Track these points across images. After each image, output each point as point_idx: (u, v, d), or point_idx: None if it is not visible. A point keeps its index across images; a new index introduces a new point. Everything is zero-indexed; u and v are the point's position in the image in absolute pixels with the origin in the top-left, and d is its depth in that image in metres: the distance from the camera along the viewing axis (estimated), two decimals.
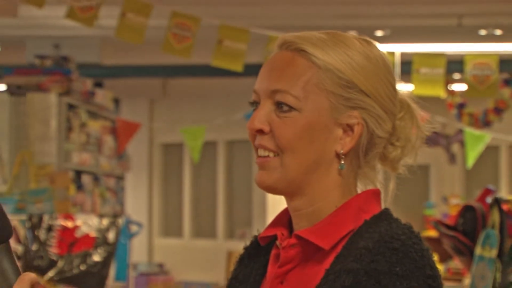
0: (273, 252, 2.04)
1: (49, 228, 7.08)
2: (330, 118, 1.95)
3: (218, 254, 13.82)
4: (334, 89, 1.95)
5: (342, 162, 1.96)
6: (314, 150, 1.95)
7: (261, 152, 1.97)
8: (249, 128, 1.97)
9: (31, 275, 1.78)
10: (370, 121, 1.96)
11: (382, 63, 2.00)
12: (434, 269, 1.89)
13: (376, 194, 2.01)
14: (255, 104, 2.00)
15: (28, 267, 6.97)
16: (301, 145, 1.94)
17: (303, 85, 1.95)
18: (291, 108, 1.94)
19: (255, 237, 2.10)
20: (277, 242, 2.01)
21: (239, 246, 2.21)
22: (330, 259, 1.91)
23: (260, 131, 1.96)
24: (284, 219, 2.04)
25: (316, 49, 1.96)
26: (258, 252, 2.09)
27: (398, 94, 2.03)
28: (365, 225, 1.93)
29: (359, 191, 2.01)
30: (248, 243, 2.14)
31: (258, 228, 2.14)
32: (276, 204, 15.04)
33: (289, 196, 1.99)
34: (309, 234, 1.94)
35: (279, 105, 1.96)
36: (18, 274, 1.81)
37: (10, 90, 9.34)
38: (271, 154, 1.96)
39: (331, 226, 1.95)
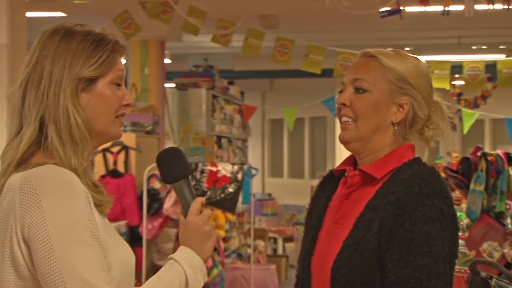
0: (342, 180, 2.03)
1: (202, 171, 7.14)
2: (388, 99, 1.96)
3: (304, 187, 13.72)
4: (393, 80, 1.95)
5: (396, 127, 1.97)
6: (377, 118, 1.95)
7: (344, 119, 1.98)
8: (337, 102, 1.99)
9: (201, 198, 1.79)
10: (414, 104, 1.96)
11: (425, 71, 2.01)
12: (448, 192, 1.88)
13: (412, 147, 2.00)
14: (342, 91, 2.01)
15: None
16: (370, 115, 1.95)
17: (373, 76, 1.96)
18: (364, 90, 1.95)
19: (330, 170, 2.10)
20: (346, 173, 2.01)
21: (317, 182, 2.23)
22: (380, 185, 1.92)
23: (343, 104, 1.97)
24: (351, 160, 2.03)
25: (383, 56, 1.97)
26: (331, 180, 2.09)
27: (434, 96, 2.03)
28: (404, 165, 1.93)
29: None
30: (325, 174, 2.15)
31: (331, 168, 2.15)
32: (341, 156, 14.98)
33: (357, 149, 1.99)
34: (367, 168, 1.95)
35: (357, 89, 1.96)
36: (194, 198, 1.81)
37: (178, 87, 9.42)
38: (350, 120, 1.97)
39: (382, 164, 1.95)
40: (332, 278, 1.86)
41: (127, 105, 1.76)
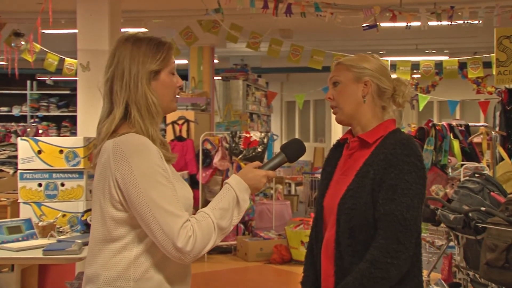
0: (346, 145, 2.01)
1: (239, 137, 7.15)
2: (355, 81, 1.93)
3: (310, 148, 13.67)
4: (353, 70, 1.94)
5: (364, 99, 1.94)
6: (351, 97, 1.94)
7: (332, 107, 1.98)
8: (326, 98, 1.98)
9: (275, 173, 1.79)
10: (375, 80, 1.94)
11: (375, 57, 1.98)
12: (420, 152, 1.87)
13: (393, 121, 1.97)
14: (328, 88, 2.00)
15: (231, 153, 7.10)
16: (346, 97, 1.94)
17: (340, 73, 1.95)
18: (338, 82, 1.95)
19: (338, 140, 2.08)
20: (348, 141, 2.00)
21: (319, 145, 2.20)
22: (372, 148, 1.91)
23: (330, 99, 1.97)
24: (350, 131, 2.01)
25: (346, 60, 1.97)
26: (338, 147, 2.06)
27: (391, 74, 1.99)
28: (389, 134, 1.92)
29: (386, 118, 1.99)
30: (323, 139, 2.13)
31: (328, 135, 2.12)
32: (335, 128, 14.88)
33: (349, 123, 1.98)
34: (363, 135, 1.93)
35: (334, 83, 1.96)
36: (275, 169, 1.80)
37: (223, 79, 9.39)
38: (336, 107, 1.96)
39: (373, 133, 1.93)
40: (338, 210, 1.86)
41: (179, 86, 1.76)
